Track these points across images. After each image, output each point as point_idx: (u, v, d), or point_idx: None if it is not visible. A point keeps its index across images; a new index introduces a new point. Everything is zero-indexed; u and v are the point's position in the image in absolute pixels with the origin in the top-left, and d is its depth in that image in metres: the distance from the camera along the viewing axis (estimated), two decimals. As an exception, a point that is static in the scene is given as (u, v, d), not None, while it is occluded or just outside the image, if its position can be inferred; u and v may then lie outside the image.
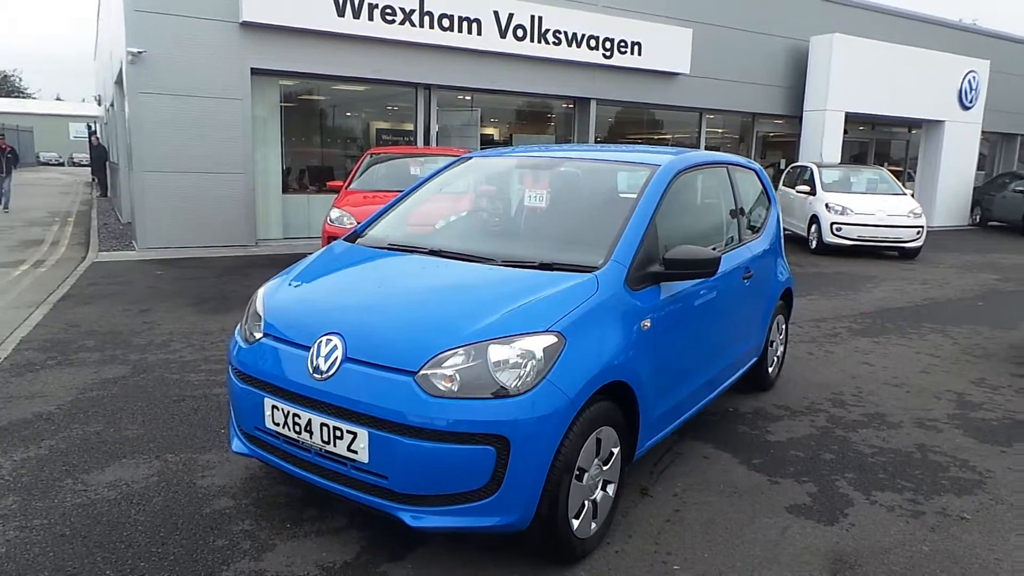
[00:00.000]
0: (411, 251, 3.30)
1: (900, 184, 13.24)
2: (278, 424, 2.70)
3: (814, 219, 12.22)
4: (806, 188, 12.64)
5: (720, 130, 17.30)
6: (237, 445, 2.98)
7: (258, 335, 2.91)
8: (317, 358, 2.61)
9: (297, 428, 2.63)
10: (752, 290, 4.12)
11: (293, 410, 2.63)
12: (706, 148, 15.90)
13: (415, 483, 2.42)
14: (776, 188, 11.07)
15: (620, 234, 3.02)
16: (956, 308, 8.01)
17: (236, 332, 3.11)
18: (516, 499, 2.40)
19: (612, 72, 13.63)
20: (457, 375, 2.41)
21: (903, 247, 11.85)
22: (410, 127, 12.76)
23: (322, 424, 2.55)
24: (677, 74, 14.34)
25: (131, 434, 3.77)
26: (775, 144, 18.25)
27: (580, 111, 14.11)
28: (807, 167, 13.24)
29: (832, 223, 11.84)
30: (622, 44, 13.44)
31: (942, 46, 17.71)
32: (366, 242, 3.56)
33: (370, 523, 2.92)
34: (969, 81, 17.74)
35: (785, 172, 14.52)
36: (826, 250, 12.01)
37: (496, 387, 2.39)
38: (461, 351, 2.44)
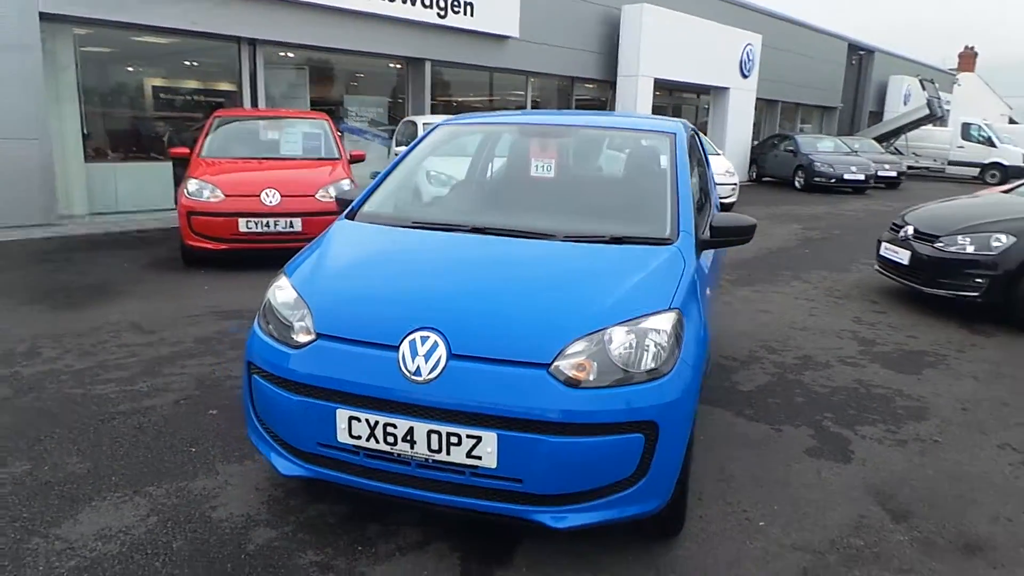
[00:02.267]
0: (448, 230, 2.99)
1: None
2: (359, 437, 2.33)
3: None
4: None
5: (534, 94, 17.64)
6: (287, 467, 2.52)
7: (306, 337, 2.47)
8: (414, 358, 2.28)
9: (391, 439, 2.29)
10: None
11: (385, 420, 2.28)
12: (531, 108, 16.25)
13: (556, 482, 2.24)
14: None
15: (676, 203, 2.99)
16: (791, 256, 9.09)
17: (260, 334, 2.61)
18: (661, 484, 2.33)
19: (446, 33, 13.30)
20: (593, 363, 2.25)
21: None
22: (231, 87, 11.47)
23: (430, 432, 2.25)
24: (507, 37, 14.38)
25: (77, 469, 3.04)
26: (589, 108, 19.14)
27: (414, 73, 13.63)
28: (415, 122, 11.35)
29: None
30: (455, 4, 13.14)
31: (726, 20, 19.62)
32: (378, 220, 3.15)
33: (448, 531, 2.66)
34: (747, 52, 19.93)
35: (398, 128, 12.41)
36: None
37: (636, 371, 2.27)
38: (592, 337, 2.29)
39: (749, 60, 20.08)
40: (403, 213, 3.26)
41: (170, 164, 10.38)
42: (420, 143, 3.68)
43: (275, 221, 6.76)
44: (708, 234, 3.07)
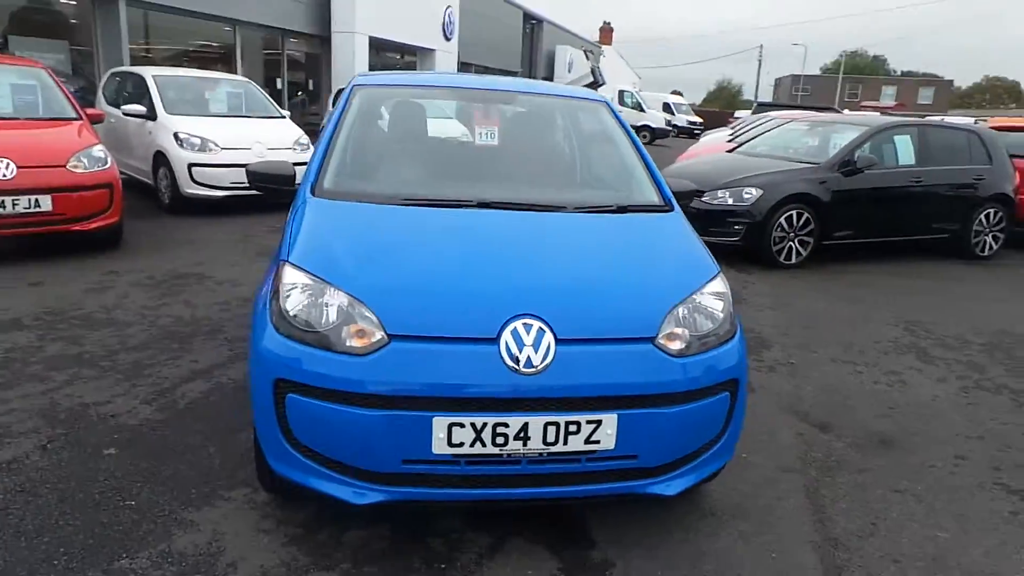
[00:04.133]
0: (449, 206, 2.72)
1: (274, 103, 9.71)
2: (460, 444, 2.11)
3: (162, 159, 7.92)
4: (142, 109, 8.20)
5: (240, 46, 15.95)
6: (359, 496, 2.15)
7: (363, 341, 2.12)
8: (521, 349, 2.13)
9: (501, 440, 2.12)
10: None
11: (495, 420, 2.10)
12: (241, 65, 14.75)
13: (667, 452, 2.31)
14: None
15: (648, 170, 3.15)
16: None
17: (288, 342, 2.15)
18: (734, 436, 2.53)
19: (142, -33, 11.32)
20: (685, 331, 2.34)
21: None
22: None
23: (547, 424, 2.14)
24: (214, -22, 12.77)
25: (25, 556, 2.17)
26: (303, 66, 17.98)
27: (103, 14, 11.37)
28: (141, 75, 8.60)
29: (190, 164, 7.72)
30: (152, -67, 11.23)
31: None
32: (350, 198, 2.73)
33: (508, 526, 2.53)
34: (448, 15, 20.48)
35: (104, 81, 9.61)
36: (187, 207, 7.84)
37: (718, 334, 2.42)
38: (677, 307, 2.37)
39: (451, 22, 20.69)
40: (376, 188, 2.86)
41: None
42: (345, 109, 3.22)
43: (14, 200, 5.25)
44: None
